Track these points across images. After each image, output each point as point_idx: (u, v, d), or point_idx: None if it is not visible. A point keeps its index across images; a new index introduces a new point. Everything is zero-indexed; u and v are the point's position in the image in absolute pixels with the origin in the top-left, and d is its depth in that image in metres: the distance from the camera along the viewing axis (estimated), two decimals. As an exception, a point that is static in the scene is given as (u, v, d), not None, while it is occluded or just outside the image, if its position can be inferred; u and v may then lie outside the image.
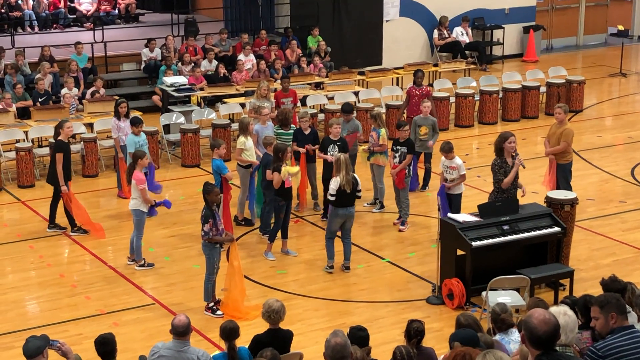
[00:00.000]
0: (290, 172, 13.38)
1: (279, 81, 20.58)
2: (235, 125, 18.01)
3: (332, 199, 12.74)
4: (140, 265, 13.30)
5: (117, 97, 17.53)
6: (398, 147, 14.37)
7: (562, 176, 14.35)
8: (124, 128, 15.83)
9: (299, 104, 18.84)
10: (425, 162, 16.14)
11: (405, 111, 17.86)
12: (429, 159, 16.09)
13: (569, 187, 14.04)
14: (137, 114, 18.11)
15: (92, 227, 14.49)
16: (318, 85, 20.93)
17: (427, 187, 16.16)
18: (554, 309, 6.71)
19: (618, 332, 6.72)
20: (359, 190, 12.88)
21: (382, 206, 15.37)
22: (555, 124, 14.51)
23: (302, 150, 14.84)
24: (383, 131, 14.91)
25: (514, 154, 12.74)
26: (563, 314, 6.73)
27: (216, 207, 11.88)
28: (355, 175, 12.86)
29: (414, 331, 8.44)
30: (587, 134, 19.78)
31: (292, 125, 15.28)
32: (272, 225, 13.71)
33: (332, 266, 13.13)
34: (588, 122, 20.80)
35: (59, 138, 14.38)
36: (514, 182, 12.76)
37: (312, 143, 14.98)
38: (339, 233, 13.11)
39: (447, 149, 13.67)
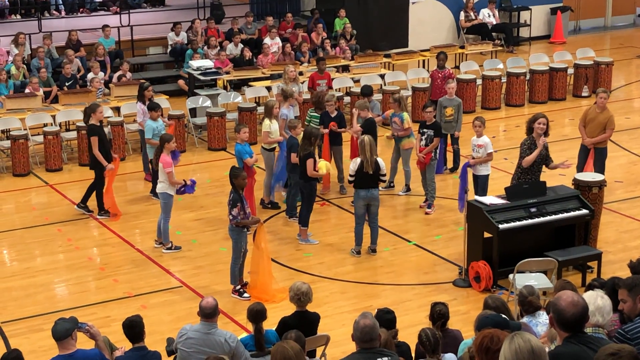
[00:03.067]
0: (328, 168, 13.60)
1: (305, 64, 20.60)
2: (261, 109, 18.02)
3: (351, 179, 12.73)
4: (167, 249, 13.36)
5: (142, 81, 17.55)
6: (424, 130, 14.34)
7: (600, 160, 14.30)
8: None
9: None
10: (453, 144, 16.09)
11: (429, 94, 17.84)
12: (457, 141, 16.04)
13: (603, 171, 14.02)
14: (163, 97, 18.19)
15: (115, 211, 14.56)
16: (345, 69, 20.90)
17: (456, 169, 16.09)
18: (588, 294, 6.68)
19: None
20: (384, 174, 12.84)
21: (408, 189, 15.34)
22: (593, 109, 14.43)
23: (324, 130, 14.82)
24: (405, 115, 14.89)
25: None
26: (601, 297, 6.70)
27: (241, 191, 11.90)
28: (379, 158, 12.83)
29: (437, 314, 8.44)
30: (615, 115, 19.46)
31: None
32: (299, 208, 13.73)
33: (359, 251, 13.12)
34: (616, 103, 20.60)
35: (91, 122, 14.45)
36: (539, 166, 12.70)
37: (339, 126, 15.00)
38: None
39: (478, 124, 13.63)
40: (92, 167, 14.62)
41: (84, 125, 15.16)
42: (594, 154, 14.45)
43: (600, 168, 14.23)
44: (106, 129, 17.34)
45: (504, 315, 7.44)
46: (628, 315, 6.83)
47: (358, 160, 12.68)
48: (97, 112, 14.53)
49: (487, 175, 13.74)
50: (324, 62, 18.14)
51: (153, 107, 15.21)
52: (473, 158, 13.63)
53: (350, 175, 12.76)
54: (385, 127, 17.13)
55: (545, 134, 12.77)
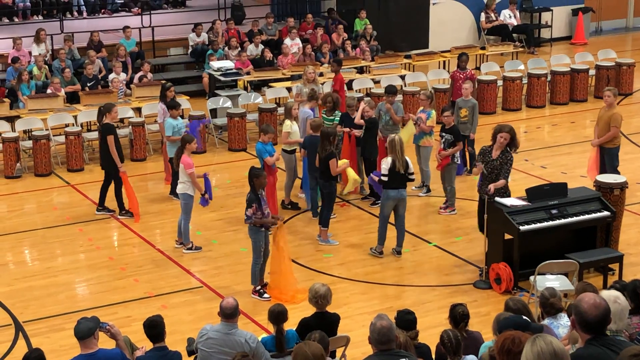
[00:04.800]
0: (356, 178, 13.72)
1: (325, 65, 20.60)
2: (281, 110, 18.03)
3: (385, 179, 12.70)
4: (188, 249, 13.39)
5: (164, 82, 17.61)
6: (443, 134, 14.30)
7: (609, 161, 14.16)
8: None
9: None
10: (469, 146, 16.04)
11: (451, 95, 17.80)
12: (472, 143, 15.98)
13: (615, 173, 13.86)
14: (184, 98, 18.24)
15: (136, 212, 14.61)
16: (364, 69, 20.89)
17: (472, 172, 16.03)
18: (604, 294, 6.63)
19: None
20: (412, 173, 12.82)
21: (428, 190, 15.32)
22: (604, 107, 14.34)
23: (346, 130, 14.79)
24: (434, 113, 14.91)
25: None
26: (614, 301, 6.63)
27: (262, 190, 11.91)
28: (407, 157, 12.82)
29: (460, 315, 8.41)
30: (637, 117, 19.52)
31: (337, 112, 15.23)
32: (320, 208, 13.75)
33: (381, 252, 13.09)
34: (638, 105, 20.52)
35: (106, 121, 14.50)
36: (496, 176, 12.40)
37: (359, 127, 15.00)
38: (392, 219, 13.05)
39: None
40: (106, 167, 14.60)
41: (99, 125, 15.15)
42: (599, 155, 14.29)
43: (610, 170, 13.97)
44: (127, 130, 17.50)
45: (525, 317, 7.41)
46: None
47: (389, 159, 12.66)
48: (112, 111, 14.58)
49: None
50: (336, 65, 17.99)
51: (173, 106, 15.25)
52: None
53: (383, 175, 12.73)
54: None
55: (512, 145, 12.41)
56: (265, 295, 11.90)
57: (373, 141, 14.76)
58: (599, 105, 19.82)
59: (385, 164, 12.69)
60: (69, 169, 16.87)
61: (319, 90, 16.75)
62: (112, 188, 14.63)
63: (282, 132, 14.68)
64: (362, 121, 14.69)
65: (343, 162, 13.57)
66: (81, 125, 17.73)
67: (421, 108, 15.23)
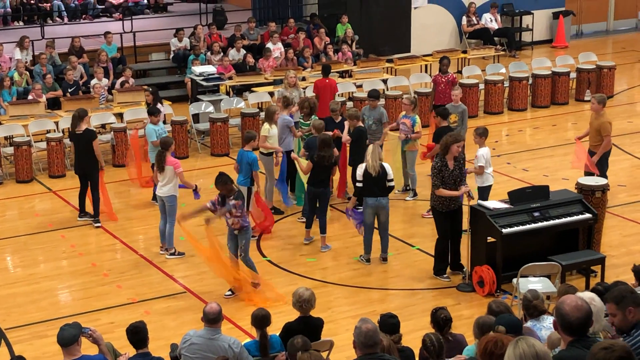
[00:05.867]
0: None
1: (307, 69, 20.61)
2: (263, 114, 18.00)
3: (360, 185, 12.73)
4: (171, 254, 13.37)
5: (145, 87, 17.57)
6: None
7: (599, 166, 14.20)
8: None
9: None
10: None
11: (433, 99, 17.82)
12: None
13: (604, 177, 13.93)
14: (166, 103, 18.21)
15: (110, 210, 14.66)
16: (346, 73, 20.90)
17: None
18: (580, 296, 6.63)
19: None
20: (391, 180, 12.79)
21: (415, 194, 15.34)
22: (593, 114, 14.39)
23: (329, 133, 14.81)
24: (418, 118, 14.91)
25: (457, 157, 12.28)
26: (589, 302, 6.64)
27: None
28: (385, 164, 12.82)
29: (443, 320, 8.42)
30: (618, 119, 19.59)
31: (314, 116, 15.22)
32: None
33: (368, 259, 13.09)
34: (619, 107, 20.62)
35: (85, 127, 14.43)
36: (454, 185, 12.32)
37: (342, 131, 15.00)
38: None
39: (478, 133, 13.52)
40: (88, 170, 14.43)
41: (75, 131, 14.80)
42: (588, 155, 14.34)
43: (599, 173, 14.09)
44: (109, 135, 17.47)
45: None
46: (620, 329, 6.70)
47: (363, 165, 12.70)
48: (88, 117, 14.62)
49: (488, 186, 13.49)
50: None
51: (153, 112, 15.21)
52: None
53: (358, 181, 12.75)
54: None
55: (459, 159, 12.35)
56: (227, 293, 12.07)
57: (360, 150, 14.64)
58: (580, 108, 20.01)
59: (360, 169, 12.73)
60: (51, 175, 16.81)
61: (300, 94, 16.76)
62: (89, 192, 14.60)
63: (260, 135, 14.64)
64: (348, 138, 14.63)
65: (304, 162, 13.62)
66: (63, 131, 17.64)
67: (403, 113, 15.22)
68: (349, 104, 19.33)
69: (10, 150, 17.02)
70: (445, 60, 17.83)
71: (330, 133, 14.81)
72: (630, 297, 6.55)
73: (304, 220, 14.05)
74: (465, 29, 25.32)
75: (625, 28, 28.86)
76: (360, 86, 20.25)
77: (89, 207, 14.70)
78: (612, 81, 21.11)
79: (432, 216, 14.39)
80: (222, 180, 11.95)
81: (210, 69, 19.69)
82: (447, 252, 12.50)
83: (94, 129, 14.74)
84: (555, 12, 26.82)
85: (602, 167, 14.23)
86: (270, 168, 14.71)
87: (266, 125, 14.58)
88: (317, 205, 13.53)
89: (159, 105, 16.05)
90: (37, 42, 21.14)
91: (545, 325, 8.21)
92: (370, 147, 12.79)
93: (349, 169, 14.89)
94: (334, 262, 13.14)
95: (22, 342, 11.06)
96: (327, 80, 17.45)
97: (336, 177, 15.06)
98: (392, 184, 12.85)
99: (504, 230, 11.76)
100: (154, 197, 14.86)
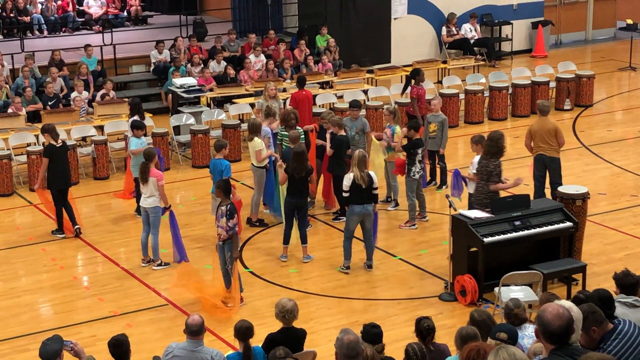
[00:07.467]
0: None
1: (288, 81, 20.62)
2: (245, 126, 18.00)
3: (346, 195, 12.74)
4: (157, 265, 13.34)
5: (126, 99, 17.54)
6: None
7: (558, 170, 14.29)
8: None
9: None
10: (439, 161, 16.10)
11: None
12: (443, 158, 16.04)
13: (561, 182, 14.02)
14: (147, 115, 18.17)
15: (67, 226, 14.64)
16: (327, 84, 20.94)
17: (444, 186, 16.05)
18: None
19: (607, 338, 6.60)
20: (375, 188, 12.84)
21: (396, 204, 15.35)
22: (537, 120, 14.46)
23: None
24: (398, 128, 14.89)
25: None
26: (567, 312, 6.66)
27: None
28: (371, 172, 12.85)
29: (426, 329, 8.44)
30: (597, 128, 19.74)
31: (298, 128, 15.21)
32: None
33: (348, 267, 13.11)
34: (598, 116, 20.75)
35: (46, 142, 14.46)
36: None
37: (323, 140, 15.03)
38: (358, 234, 13.07)
39: (474, 141, 13.54)
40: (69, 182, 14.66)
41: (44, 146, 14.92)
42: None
43: (558, 180, 14.18)
44: (89, 148, 17.42)
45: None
46: (588, 347, 6.71)
47: (351, 175, 12.71)
48: (55, 131, 14.59)
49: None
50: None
51: (138, 126, 15.17)
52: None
53: (345, 191, 12.77)
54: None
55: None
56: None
57: (339, 160, 14.65)
58: (560, 117, 20.12)
59: (347, 180, 12.74)
60: (31, 188, 16.72)
61: (280, 106, 16.76)
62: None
63: (255, 150, 14.53)
64: (331, 151, 14.60)
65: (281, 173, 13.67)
66: (43, 145, 17.58)
67: (388, 123, 15.23)
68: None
69: (-10, 163, 16.93)
70: (422, 71, 17.91)
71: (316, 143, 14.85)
72: (592, 317, 6.59)
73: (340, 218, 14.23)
74: (445, 39, 25.42)
75: (603, 37, 29.04)
76: (341, 97, 20.28)
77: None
78: (591, 90, 21.23)
79: (408, 227, 14.47)
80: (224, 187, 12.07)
81: (190, 80, 19.69)
82: None
83: (54, 146, 14.59)
84: (534, 22, 26.98)
85: (559, 170, 14.31)
86: (261, 181, 14.68)
87: (257, 139, 14.53)
88: (296, 216, 13.50)
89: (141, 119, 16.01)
90: (17, 55, 21.07)
91: (527, 334, 8.24)
92: (356, 154, 12.77)
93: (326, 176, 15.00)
94: (316, 273, 13.14)
95: (4, 356, 11.00)
96: (303, 92, 17.45)
97: (319, 188, 15.09)
98: (376, 192, 12.87)
99: (485, 240, 11.80)
100: (138, 210, 14.84)
